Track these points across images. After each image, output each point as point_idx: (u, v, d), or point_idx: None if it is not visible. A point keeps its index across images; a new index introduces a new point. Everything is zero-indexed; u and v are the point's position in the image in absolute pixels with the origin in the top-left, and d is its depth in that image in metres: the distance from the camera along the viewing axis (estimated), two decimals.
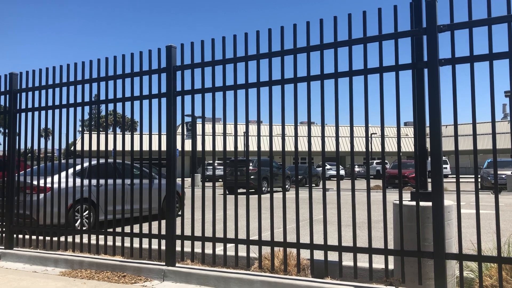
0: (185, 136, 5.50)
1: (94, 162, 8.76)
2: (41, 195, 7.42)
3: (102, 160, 7.70)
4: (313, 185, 30.11)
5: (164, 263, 5.19)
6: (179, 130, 17.72)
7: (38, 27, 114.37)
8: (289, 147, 43.10)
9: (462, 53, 4.06)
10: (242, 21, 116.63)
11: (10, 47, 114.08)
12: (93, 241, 5.98)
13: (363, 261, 4.77)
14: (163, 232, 5.32)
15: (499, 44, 4.15)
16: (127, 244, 5.80)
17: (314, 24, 4.64)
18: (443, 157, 4.13)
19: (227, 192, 5.25)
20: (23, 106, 6.78)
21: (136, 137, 18.72)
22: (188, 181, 25.65)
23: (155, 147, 5.37)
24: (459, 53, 4.08)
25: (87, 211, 8.33)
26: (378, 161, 45.24)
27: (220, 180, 27.68)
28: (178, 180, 5.80)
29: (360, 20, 4.40)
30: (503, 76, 4.13)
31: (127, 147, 5.93)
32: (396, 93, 4.31)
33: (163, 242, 5.33)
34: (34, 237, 6.54)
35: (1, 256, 6.32)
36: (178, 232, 5.31)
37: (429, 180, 4.19)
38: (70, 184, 6.32)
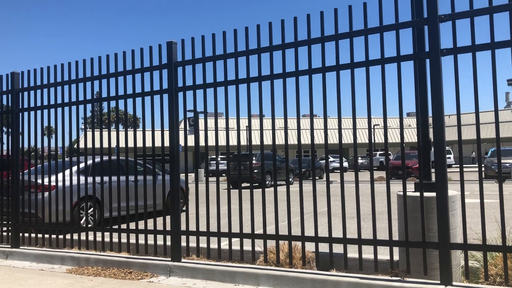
0: (187, 131, 5.50)
1: (97, 159, 8.83)
2: (46, 194, 7.46)
3: (106, 158, 7.73)
4: (317, 177, 30.11)
5: (169, 259, 5.22)
6: (182, 125, 17.70)
7: (39, 32, 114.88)
8: (292, 140, 43.12)
9: (463, 43, 4.05)
10: (243, 18, 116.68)
11: (11, 51, 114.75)
12: (99, 238, 6.00)
13: (368, 253, 4.77)
14: (168, 228, 5.34)
15: (501, 33, 4.12)
16: (132, 240, 5.82)
17: (313, 16, 4.61)
18: (447, 147, 4.12)
19: (231, 187, 5.25)
20: (26, 105, 6.79)
21: (139, 134, 18.65)
22: (191, 176, 25.69)
23: (158, 144, 5.37)
24: (460, 43, 4.07)
25: (92, 209, 8.37)
26: (381, 152, 45.12)
27: (223, 174, 27.66)
28: (182, 176, 5.82)
29: (360, 12, 4.38)
30: (505, 65, 4.11)
31: (131, 144, 5.95)
32: (398, 84, 4.29)
33: (168, 238, 5.35)
34: (40, 235, 6.58)
35: (8, 254, 6.36)
36: (183, 227, 5.33)
37: (433, 170, 4.18)
38: (75, 182, 6.34)
